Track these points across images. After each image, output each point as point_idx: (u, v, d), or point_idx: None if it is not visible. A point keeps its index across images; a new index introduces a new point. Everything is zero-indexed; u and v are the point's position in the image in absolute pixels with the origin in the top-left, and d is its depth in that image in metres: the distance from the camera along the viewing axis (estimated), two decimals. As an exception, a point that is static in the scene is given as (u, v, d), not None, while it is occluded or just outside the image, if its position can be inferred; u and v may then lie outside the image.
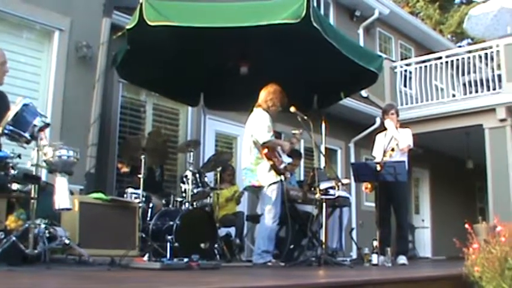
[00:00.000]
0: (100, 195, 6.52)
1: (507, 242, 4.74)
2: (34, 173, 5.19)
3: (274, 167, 6.80)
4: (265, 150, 6.83)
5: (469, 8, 21.49)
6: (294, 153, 8.79)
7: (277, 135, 7.57)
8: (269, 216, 6.80)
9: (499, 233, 4.89)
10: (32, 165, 5.18)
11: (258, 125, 6.97)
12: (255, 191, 7.16)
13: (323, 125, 8.11)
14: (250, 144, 7.01)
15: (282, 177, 6.86)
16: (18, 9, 7.69)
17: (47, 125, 5.22)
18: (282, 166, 6.89)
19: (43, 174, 5.85)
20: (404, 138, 8.04)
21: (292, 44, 7.73)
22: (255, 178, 6.90)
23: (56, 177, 5.26)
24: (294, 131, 7.40)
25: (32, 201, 5.08)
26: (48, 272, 4.37)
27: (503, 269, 4.61)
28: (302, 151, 11.85)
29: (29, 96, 6.23)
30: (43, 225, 5.12)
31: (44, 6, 7.95)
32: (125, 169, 8.10)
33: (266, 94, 7.15)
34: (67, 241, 5.31)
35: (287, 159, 7.06)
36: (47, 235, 5.13)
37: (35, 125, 5.05)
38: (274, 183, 6.81)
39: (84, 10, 8.38)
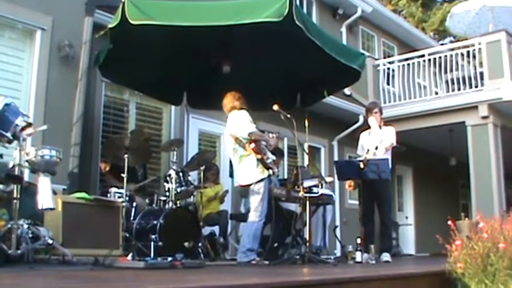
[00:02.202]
0: (83, 194, 6.50)
1: (489, 238, 4.78)
2: (16, 173, 5.17)
3: (262, 162, 6.81)
4: (252, 145, 6.83)
5: (451, 6, 21.61)
6: (275, 152, 8.81)
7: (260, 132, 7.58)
8: (255, 214, 6.81)
9: (481, 229, 4.93)
10: (14, 165, 5.16)
11: (239, 121, 6.98)
12: (244, 189, 7.17)
13: (306, 123, 8.11)
14: (232, 145, 7.02)
15: (270, 171, 6.88)
16: (0, 8, 7.63)
17: (29, 124, 5.20)
18: (269, 160, 6.90)
19: (26, 174, 5.82)
20: (388, 137, 8.07)
21: (275, 43, 7.73)
22: (240, 177, 6.91)
23: (38, 177, 5.24)
24: (271, 134, 7.43)
25: (15, 201, 5.07)
26: (31, 272, 4.36)
27: (485, 265, 4.65)
28: (285, 149, 11.90)
29: (11, 95, 6.20)
30: (26, 226, 5.10)
31: (26, 6, 7.89)
32: (108, 169, 8.08)
33: (231, 96, 7.25)
34: (50, 241, 5.30)
35: (272, 156, 7.07)
36: (30, 235, 5.12)
37: (17, 125, 5.03)
38: (261, 180, 6.83)
39: (66, 9, 8.33)
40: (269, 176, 6.94)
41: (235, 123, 7.01)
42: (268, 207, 6.99)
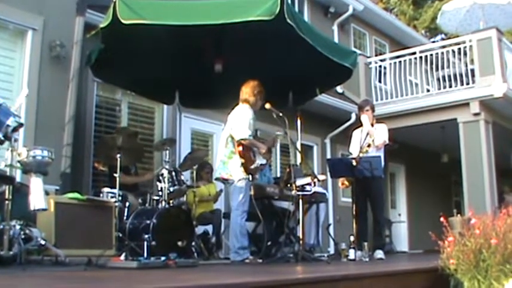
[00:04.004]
0: (76, 195, 6.48)
1: (481, 234, 4.80)
2: (8, 174, 5.15)
3: (244, 165, 6.82)
4: (240, 148, 6.85)
5: (442, 4, 21.64)
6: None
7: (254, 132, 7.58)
8: (237, 213, 6.84)
9: (473, 225, 4.95)
10: (5, 165, 5.14)
11: (239, 120, 6.98)
12: (224, 183, 7.19)
13: (298, 121, 8.13)
14: (227, 137, 7.02)
15: (250, 176, 6.90)
16: (-10, 8, 7.61)
17: (21, 125, 5.18)
18: (253, 166, 6.90)
19: (17, 175, 5.80)
20: (380, 134, 8.08)
21: (266, 41, 7.74)
22: (225, 171, 6.94)
23: (30, 178, 5.22)
24: (278, 132, 7.44)
25: (7, 202, 5.04)
26: (24, 273, 4.34)
27: (477, 261, 4.67)
28: (278, 148, 11.92)
29: (2, 96, 6.19)
30: (18, 227, 5.09)
31: (17, 6, 7.87)
32: (102, 167, 8.05)
33: (252, 88, 7.18)
34: (43, 242, 5.29)
35: (261, 161, 7.07)
36: (23, 236, 5.10)
37: (8, 125, 5.00)
38: (243, 179, 6.84)
39: (58, 9, 8.30)
40: (249, 179, 6.95)
41: (236, 120, 7.01)
42: (257, 206, 7.02)
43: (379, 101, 13.80)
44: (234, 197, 6.90)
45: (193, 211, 8.17)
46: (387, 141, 8.20)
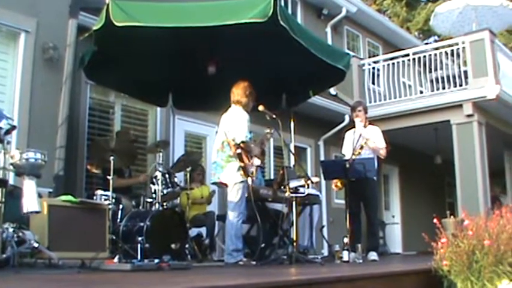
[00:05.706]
0: (69, 197, 6.46)
1: (474, 235, 4.81)
2: (1, 177, 5.14)
3: (243, 168, 6.82)
4: (239, 151, 6.84)
5: (435, 6, 21.71)
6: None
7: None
8: (233, 214, 6.84)
9: (466, 226, 4.96)
10: (-2, 168, 5.13)
11: (237, 123, 6.98)
12: (222, 187, 7.19)
13: (292, 123, 8.13)
14: (223, 140, 7.01)
15: (249, 179, 6.89)
16: (-17, 11, 7.59)
17: (14, 127, 5.17)
18: (252, 169, 6.90)
19: (10, 178, 5.79)
20: (377, 141, 8.12)
21: (260, 43, 7.73)
22: (223, 175, 6.93)
23: (23, 180, 5.21)
24: (266, 131, 7.45)
25: (0, 205, 5.03)
26: (16, 276, 4.33)
27: (470, 262, 4.68)
28: (271, 150, 11.93)
29: (-5, 99, 6.18)
30: (11, 229, 5.08)
31: (10, 8, 7.85)
32: (95, 170, 8.03)
33: (243, 89, 7.18)
34: (36, 245, 5.28)
35: (257, 162, 7.07)
36: (16, 239, 5.09)
37: (0, 128, 4.99)
38: (240, 182, 6.84)
39: (50, 11, 8.29)
40: (247, 181, 6.96)
41: (233, 124, 7.01)
42: (253, 208, 7.01)
43: (373, 102, 13.83)
44: (231, 200, 6.88)
45: (187, 213, 8.17)
46: (384, 145, 8.24)
